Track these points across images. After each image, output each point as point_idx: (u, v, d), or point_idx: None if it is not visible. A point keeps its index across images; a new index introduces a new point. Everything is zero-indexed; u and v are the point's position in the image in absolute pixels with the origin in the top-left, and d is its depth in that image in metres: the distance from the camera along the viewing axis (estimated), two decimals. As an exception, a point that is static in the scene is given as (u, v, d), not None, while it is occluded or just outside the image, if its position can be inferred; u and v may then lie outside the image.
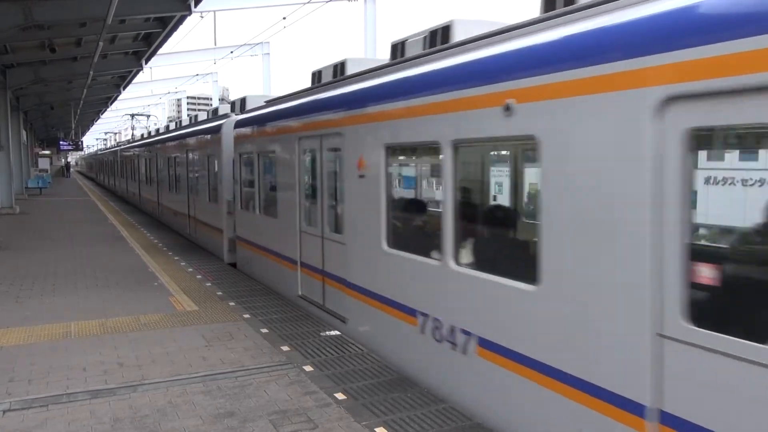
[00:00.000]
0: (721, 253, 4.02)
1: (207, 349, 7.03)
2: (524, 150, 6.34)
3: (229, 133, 12.58)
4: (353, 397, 5.59)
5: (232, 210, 12.51)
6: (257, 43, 31.84)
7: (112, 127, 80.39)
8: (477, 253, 5.54)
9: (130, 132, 61.39)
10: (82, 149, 67.77)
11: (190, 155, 16.40)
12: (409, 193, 8.13)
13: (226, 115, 13.93)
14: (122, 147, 37.04)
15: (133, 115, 52.21)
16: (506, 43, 4.72)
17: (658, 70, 3.29)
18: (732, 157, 4.53)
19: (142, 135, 32.60)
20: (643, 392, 3.45)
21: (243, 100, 13.40)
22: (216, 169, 13.65)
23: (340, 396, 5.61)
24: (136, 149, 28.93)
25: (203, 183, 15.10)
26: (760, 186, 4.44)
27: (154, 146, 23.26)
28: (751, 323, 3.14)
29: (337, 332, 7.62)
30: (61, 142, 54.69)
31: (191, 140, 16.21)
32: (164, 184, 20.61)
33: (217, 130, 13.45)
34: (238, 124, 12.07)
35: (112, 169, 42.79)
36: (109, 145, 64.95)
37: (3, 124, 25.66)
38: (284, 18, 23.69)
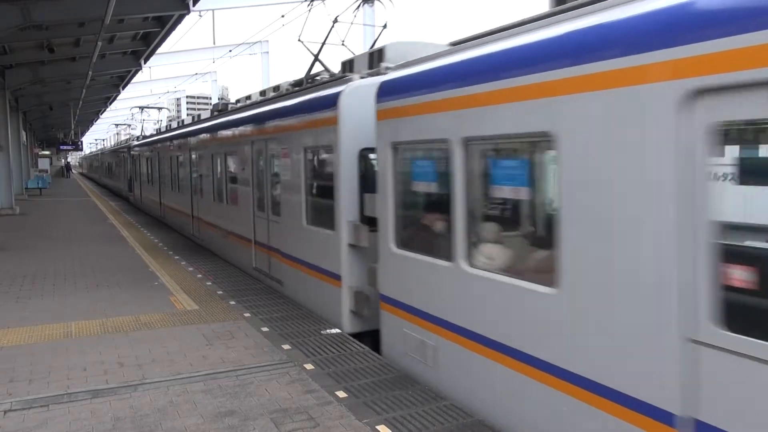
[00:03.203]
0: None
1: (207, 348, 7.02)
2: None
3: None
4: (354, 396, 5.58)
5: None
6: (256, 42, 31.81)
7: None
8: None
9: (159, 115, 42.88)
10: (81, 149, 67.56)
11: None
12: None
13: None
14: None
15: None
16: None
17: None
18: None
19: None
20: None
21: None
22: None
23: (341, 394, 5.61)
24: None
25: None
26: None
27: None
28: None
29: (338, 330, 7.62)
30: (60, 144, 54.68)
31: None
32: None
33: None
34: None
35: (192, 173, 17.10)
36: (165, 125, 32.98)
37: (2, 124, 25.65)
38: (283, 16, 23.66)
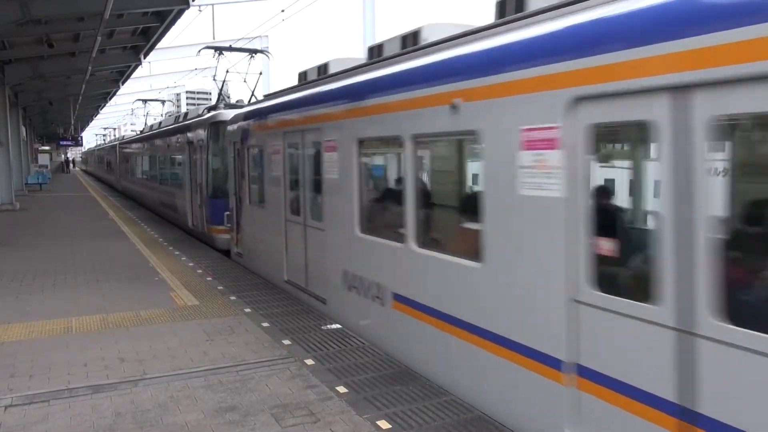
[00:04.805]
0: None
1: (208, 343, 7.02)
2: None
3: None
4: (355, 391, 5.58)
5: None
6: (255, 37, 31.69)
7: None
8: None
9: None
10: (81, 144, 67.51)
11: None
12: None
13: None
14: None
15: None
16: None
17: None
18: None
19: None
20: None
21: None
22: None
23: (341, 389, 5.61)
24: None
25: None
26: None
27: None
28: None
29: (338, 326, 7.61)
30: (60, 140, 54.66)
31: None
32: None
33: None
34: None
35: None
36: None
37: (2, 120, 25.62)
38: (282, 11, 23.66)
